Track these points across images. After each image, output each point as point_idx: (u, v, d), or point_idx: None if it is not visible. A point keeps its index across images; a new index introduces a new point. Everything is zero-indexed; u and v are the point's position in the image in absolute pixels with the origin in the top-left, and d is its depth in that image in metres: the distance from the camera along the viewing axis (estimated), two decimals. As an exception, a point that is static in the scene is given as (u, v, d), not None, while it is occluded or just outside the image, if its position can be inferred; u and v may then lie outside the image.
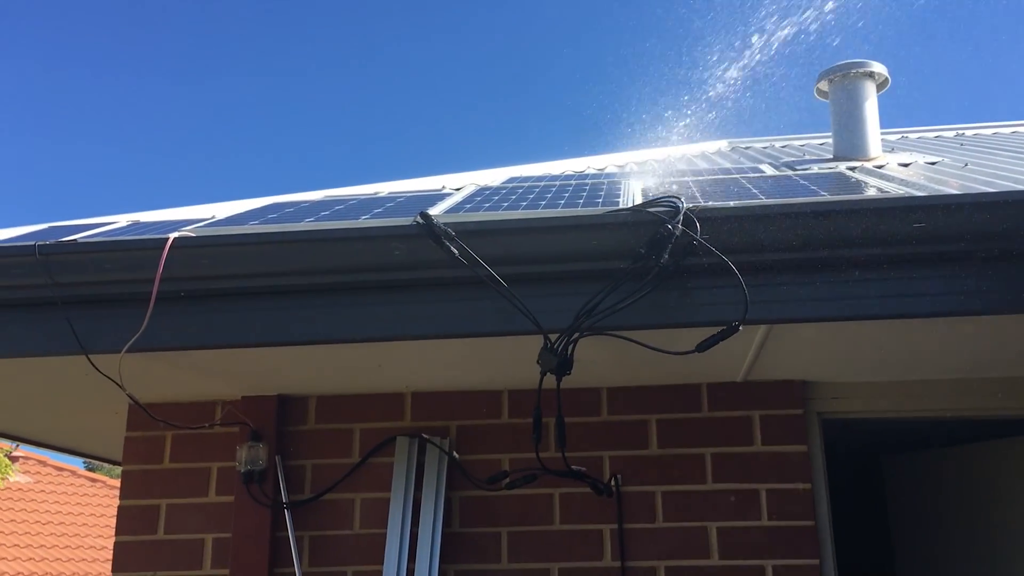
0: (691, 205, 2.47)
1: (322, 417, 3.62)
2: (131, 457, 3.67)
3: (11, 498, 16.51)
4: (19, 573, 15.02)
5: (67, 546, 17.14)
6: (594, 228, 2.48)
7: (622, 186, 3.52)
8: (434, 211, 2.70)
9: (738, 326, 2.37)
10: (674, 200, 2.51)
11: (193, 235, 2.68)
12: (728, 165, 4.82)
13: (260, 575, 3.40)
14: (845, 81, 4.97)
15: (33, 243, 2.70)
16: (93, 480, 20.49)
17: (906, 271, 2.42)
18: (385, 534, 3.39)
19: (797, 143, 6.63)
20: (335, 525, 3.49)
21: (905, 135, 6.77)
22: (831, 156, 4.97)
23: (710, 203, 2.55)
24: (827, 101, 5.08)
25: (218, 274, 2.60)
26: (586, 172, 4.87)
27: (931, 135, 6.76)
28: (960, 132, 6.83)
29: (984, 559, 4.55)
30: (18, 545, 16.16)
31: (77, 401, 3.76)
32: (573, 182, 3.86)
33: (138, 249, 2.64)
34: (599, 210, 2.60)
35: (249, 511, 3.45)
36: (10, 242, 3.05)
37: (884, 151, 5.02)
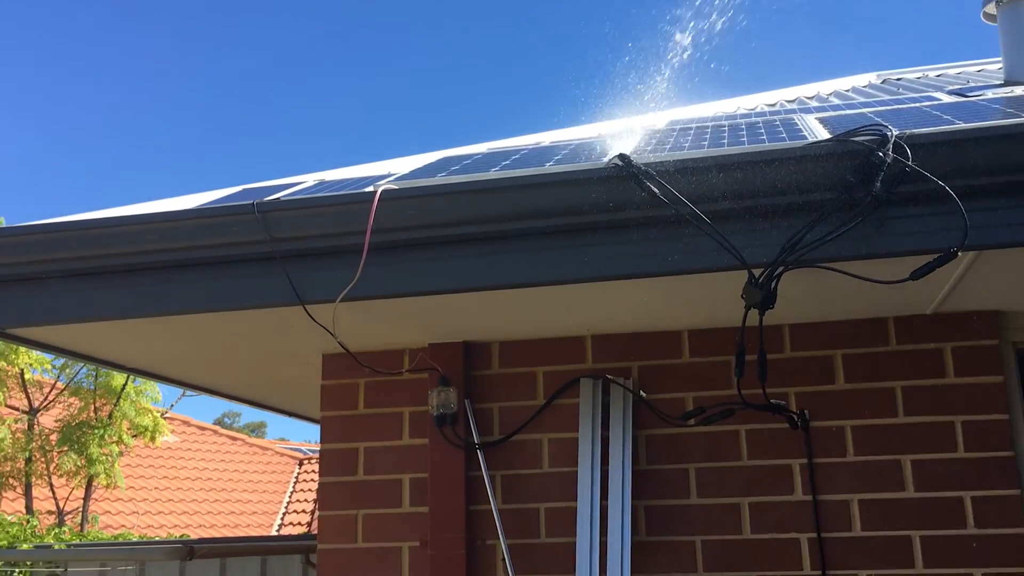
0: (899, 132, 2.45)
1: (505, 362, 3.75)
2: (328, 404, 3.88)
3: (161, 457, 17.60)
4: (175, 526, 16.06)
5: (215, 500, 18.22)
6: (799, 160, 2.48)
7: (797, 122, 3.48)
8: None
9: (956, 252, 2.35)
10: (880, 128, 2.49)
11: (397, 187, 2.81)
12: (893, 96, 4.68)
13: (458, 512, 3.57)
14: (1014, 2, 4.75)
15: (252, 201, 2.88)
16: (233, 439, 21.65)
17: None
18: (574, 472, 3.50)
19: (952, 71, 6.37)
20: (525, 464, 3.62)
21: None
22: (1001, 81, 4.78)
23: (917, 130, 2.51)
24: (994, 25, 4.87)
25: (425, 223, 2.72)
26: (748, 111, 4.81)
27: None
28: None
29: None
30: (172, 500, 17.27)
31: (272, 355, 4.00)
32: (742, 121, 3.84)
33: (349, 203, 2.78)
34: (800, 143, 2.60)
35: (443, 452, 3.62)
36: (225, 201, 3.24)
37: (1057, 73, 4.78)
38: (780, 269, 2.51)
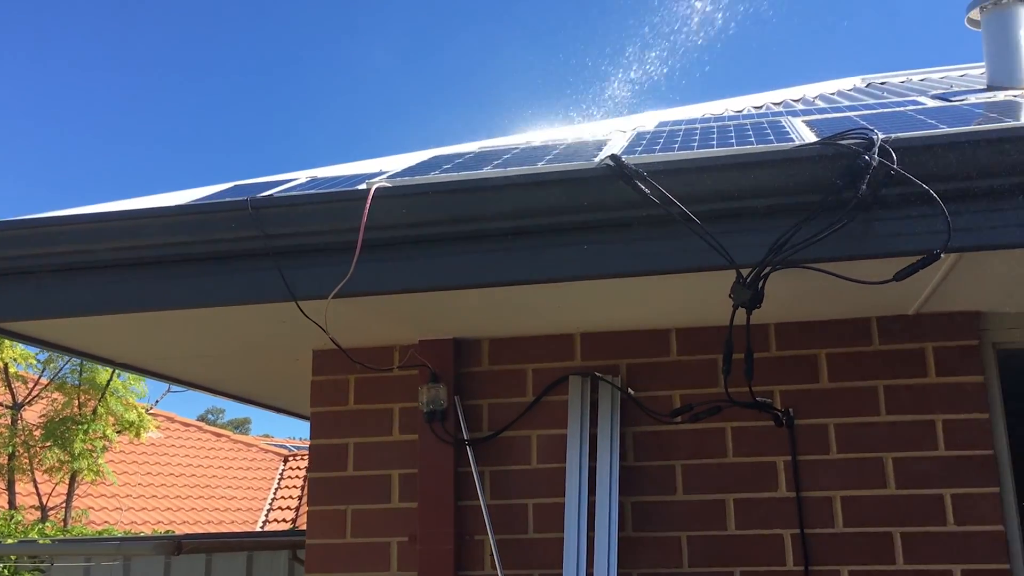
0: (884, 136, 2.50)
1: (495, 359, 3.79)
2: (318, 400, 3.91)
3: (145, 452, 17.53)
4: (159, 522, 16.00)
5: (200, 496, 18.15)
6: (786, 162, 2.52)
7: (784, 125, 3.53)
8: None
9: (939, 254, 2.40)
10: (867, 131, 2.54)
11: (391, 185, 2.83)
12: (877, 100, 4.75)
13: (447, 507, 3.60)
14: (998, 8, 4.82)
15: (245, 198, 2.91)
16: (218, 435, 21.58)
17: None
18: (562, 468, 3.54)
19: (935, 76, 6.44)
20: (514, 460, 3.66)
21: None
22: (984, 86, 4.85)
23: (902, 133, 2.56)
24: (978, 31, 4.94)
25: (417, 221, 2.75)
26: (735, 114, 4.87)
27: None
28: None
29: None
30: (156, 496, 17.19)
31: (262, 350, 4.02)
32: (731, 123, 3.89)
33: (343, 200, 2.80)
34: (788, 145, 2.65)
35: (433, 448, 3.65)
36: (218, 197, 3.26)
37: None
38: (767, 269, 2.55)
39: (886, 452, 3.39)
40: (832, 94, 6.01)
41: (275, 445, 22.17)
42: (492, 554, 3.54)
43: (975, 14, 4.93)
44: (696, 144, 3.15)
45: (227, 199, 3.05)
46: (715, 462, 3.51)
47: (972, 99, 4.24)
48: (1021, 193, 2.42)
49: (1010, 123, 2.68)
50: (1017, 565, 3.28)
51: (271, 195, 2.99)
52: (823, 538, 3.37)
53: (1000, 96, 4.13)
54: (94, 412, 12.90)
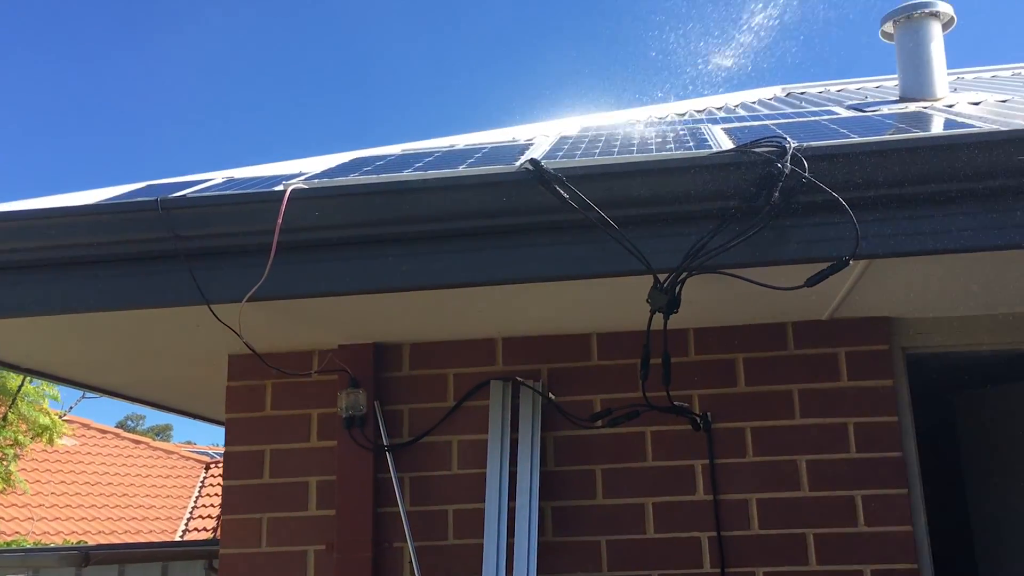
0: (797, 144, 2.54)
1: (416, 363, 3.75)
2: (234, 406, 3.82)
3: (59, 460, 16.96)
4: (72, 532, 15.48)
5: (116, 505, 17.63)
6: (703, 169, 2.55)
7: (704, 132, 3.58)
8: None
9: (848, 260, 2.45)
10: (780, 140, 2.58)
11: (307, 187, 2.78)
12: (795, 110, 4.85)
13: (365, 514, 3.55)
14: (910, 22, 4.97)
15: (155, 198, 2.82)
16: (137, 442, 20.99)
17: (1006, 204, 2.47)
18: (482, 474, 3.52)
19: (852, 87, 6.62)
20: (434, 466, 3.63)
21: (960, 76, 6.73)
22: (897, 97, 4.99)
23: (815, 142, 2.61)
24: (892, 43, 5.08)
25: (335, 223, 2.70)
26: (660, 120, 4.92)
27: (987, 75, 6.71)
28: (1016, 72, 6.78)
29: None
30: (70, 506, 16.64)
31: (176, 355, 3.91)
32: (652, 130, 3.92)
33: (258, 202, 2.74)
34: (705, 152, 2.67)
35: (352, 454, 3.60)
36: (128, 197, 3.16)
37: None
38: (684, 274, 2.57)
39: (800, 455, 3.45)
40: (753, 103, 6.12)
41: (197, 452, 21.68)
42: (411, 561, 3.50)
43: (888, 27, 5.08)
44: (617, 150, 3.16)
45: (137, 199, 2.95)
46: (635, 466, 3.53)
47: (885, 109, 4.36)
48: (928, 202, 2.48)
49: (918, 134, 2.76)
50: (924, 564, 3.38)
51: (183, 195, 2.91)
52: (739, 540, 3.42)
53: (911, 107, 4.26)
54: (4, 418, 12.42)
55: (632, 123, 4.55)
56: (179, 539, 17.07)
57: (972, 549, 5.34)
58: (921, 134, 2.66)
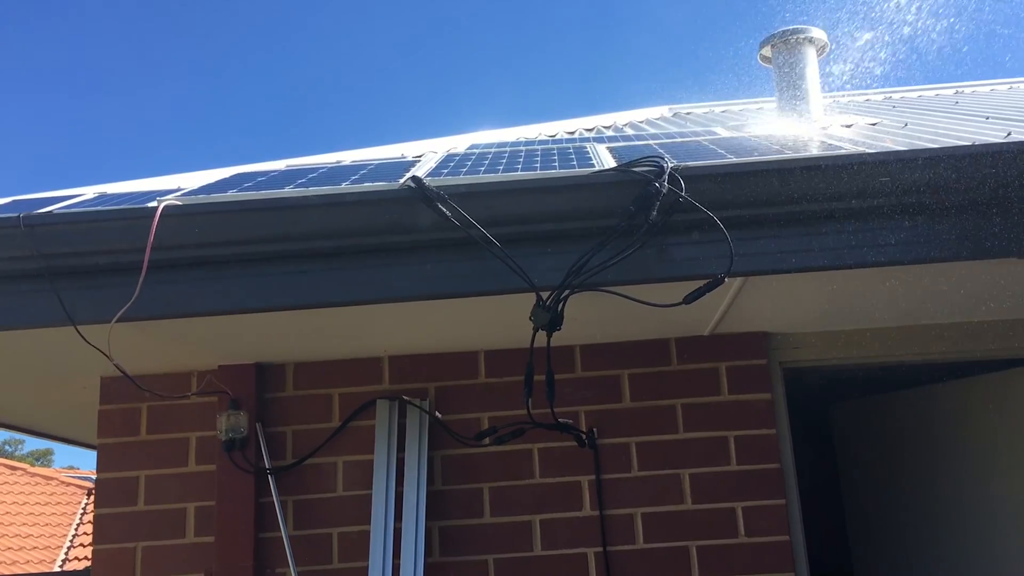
0: (674, 164, 2.59)
1: (300, 384, 3.66)
2: (106, 430, 3.65)
3: (-71, 488, 15.98)
4: (-59, 565, 14.58)
5: (-10, 535, 16.69)
6: (584, 188, 2.58)
7: (589, 151, 3.62)
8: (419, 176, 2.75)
9: (723, 278, 2.50)
10: (658, 160, 2.62)
11: (181, 203, 2.69)
12: (680, 129, 4.96)
13: (246, 540, 3.44)
14: (787, 47, 5.16)
15: (17, 214, 2.68)
16: (12, 468, 19.95)
17: (874, 223, 2.58)
18: (368, 495, 3.46)
19: (736, 107, 6.83)
20: (319, 488, 3.55)
21: (835, 99, 7.01)
22: (775, 118, 5.16)
23: (692, 162, 2.67)
24: (770, 67, 5.26)
25: (210, 241, 2.62)
26: (547, 138, 4.96)
27: (860, 99, 7.03)
28: (887, 96, 7.12)
29: (922, 499, 4.85)
30: (-61, 536, 15.68)
31: (45, 378, 3.72)
32: (538, 148, 3.95)
33: (128, 218, 2.63)
34: (587, 171, 2.70)
35: (232, 478, 3.48)
36: (-12, 214, 2.98)
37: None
38: (566, 292, 2.58)
39: (683, 468, 3.52)
40: (641, 122, 6.25)
41: (79, 477, 20.70)
42: (295, 587, 3.41)
43: (767, 51, 5.26)
44: (502, 168, 3.16)
45: (-3, 215, 2.80)
46: (522, 484, 3.53)
47: (762, 130, 4.50)
48: (800, 221, 2.56)
49: (790, 155, 2.84)
50: (801, 571, 3.47)
51: (49, 211, 2.77)
52: (624, 555, 3.45)
53: (788, 129, 4.40)
54: None
55: (520, 141, 4.58)
56: (58, 569, 16.27)
57: (849, 551, 5.54)
58: (793, 155, 2.74)
